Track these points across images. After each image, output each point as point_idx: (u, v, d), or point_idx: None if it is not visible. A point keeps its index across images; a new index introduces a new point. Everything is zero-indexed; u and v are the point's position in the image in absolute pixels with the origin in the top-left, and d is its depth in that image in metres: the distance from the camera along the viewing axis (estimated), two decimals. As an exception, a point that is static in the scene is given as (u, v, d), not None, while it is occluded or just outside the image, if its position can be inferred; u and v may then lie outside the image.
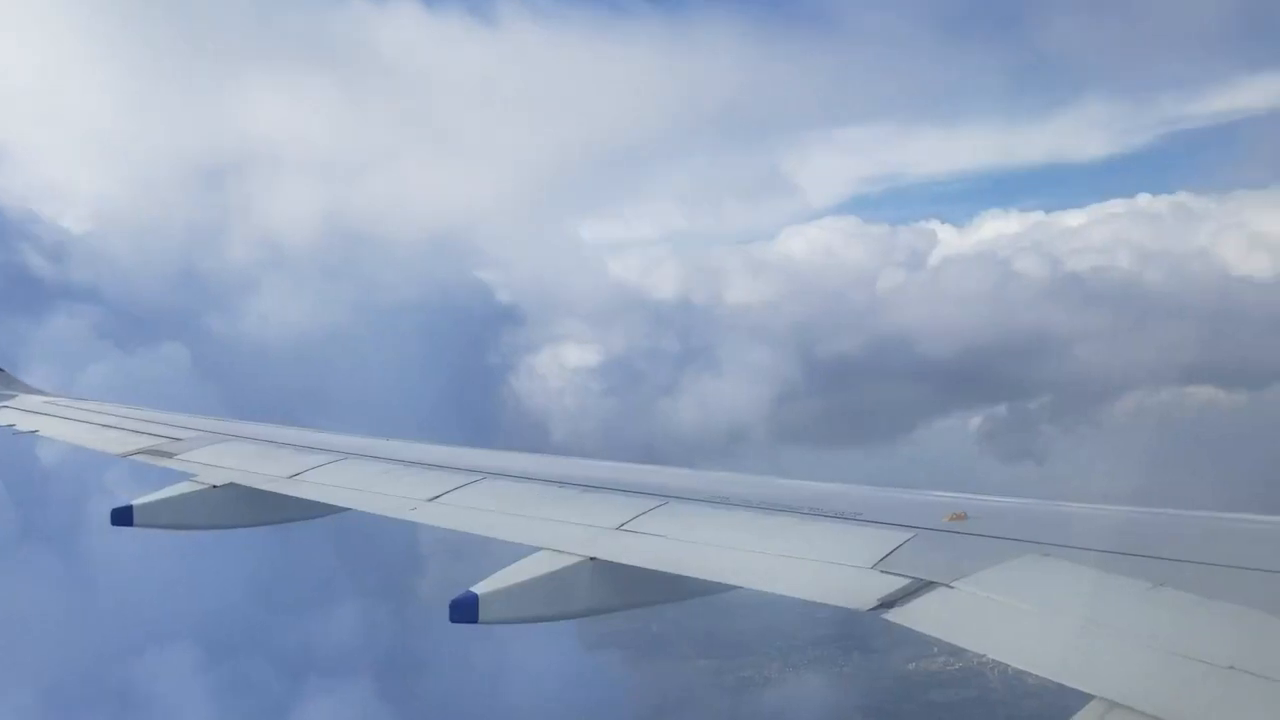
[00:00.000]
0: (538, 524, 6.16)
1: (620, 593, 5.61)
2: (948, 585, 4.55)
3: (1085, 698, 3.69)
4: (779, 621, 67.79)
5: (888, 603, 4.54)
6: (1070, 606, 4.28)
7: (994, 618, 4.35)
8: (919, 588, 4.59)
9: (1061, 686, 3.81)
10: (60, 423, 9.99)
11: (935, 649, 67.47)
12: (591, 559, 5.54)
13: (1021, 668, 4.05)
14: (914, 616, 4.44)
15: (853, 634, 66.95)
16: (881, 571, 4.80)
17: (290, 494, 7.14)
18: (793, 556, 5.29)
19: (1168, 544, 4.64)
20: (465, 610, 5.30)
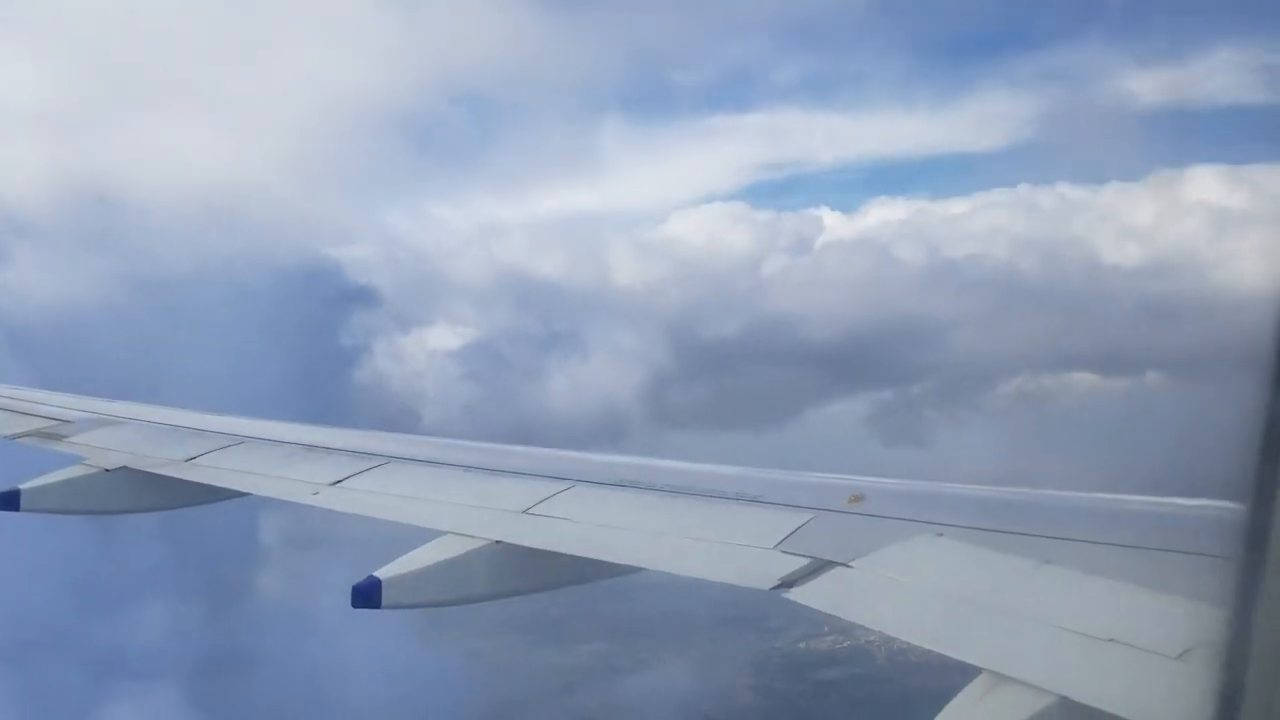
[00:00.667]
0: (443, 508, 6.09)
1: (525, 576, 5.57)
2: (846, 565, 4.62)
3: (972, 672, 3.74)
4: (677, 604, 68.52)
5: (788, 582, 4.61)
6: (961, 584, 4.38)
7: (889, 596, 4.44)
8: (818, 567, 4.65)
9: (948, 662, 3.87)
10: None
11: (826, 628, 68.97)
12: (497, 542, 5.48)
13: (915, 643, 4.18)
14: (813, 595, 4.51)
15: (748, 615, 68.08)
16: (783, 552, 4.85)
17: (186, 478, 6.93)
18: (697, 538, 5.32)
19: (1053, 524, 4.77)
20: (368, 596, 5.20)
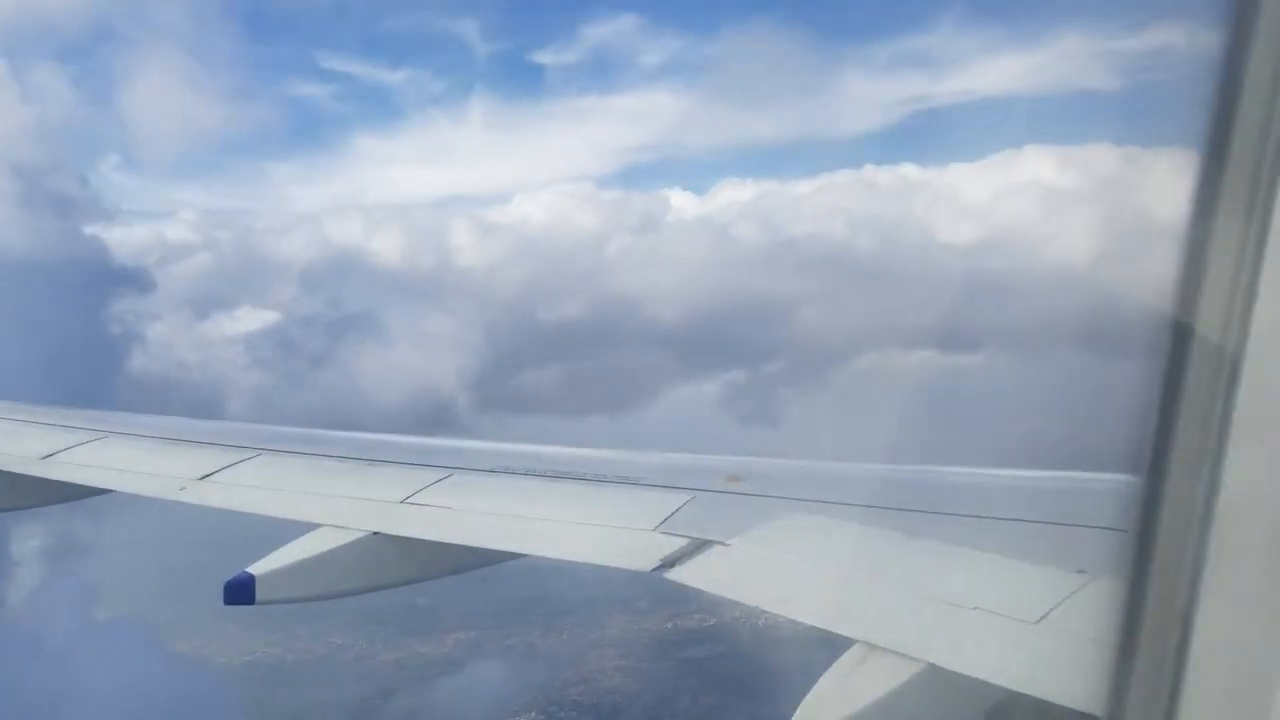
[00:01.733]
0: (317, 500, 5.97)
1: (404, 567, 5.53)
2: (723, 543, 4.74)
3: (842, 645, 3.92)
4: (545, 588, 68.69)
5: (669, 562, 4.69)
6: (835, 559, 4.57)
7: (766, 572, 4.59)
8: (697, 547, 4.75)
9: (815, 637, 4.03)
10: None
11: (693, 606, 70.39)
12: (374, 534, 5.42)
13: (792, 617, 4.29)
14: (693, 575, 4.59)
15: (615, 596, 68.65)
16: (663, 533, 4.94)
17: (45, 476, 6.59)
18: (577, 522, 5.39)
19: (920, 498, 5.02)
20: (240, 591, 5.10)
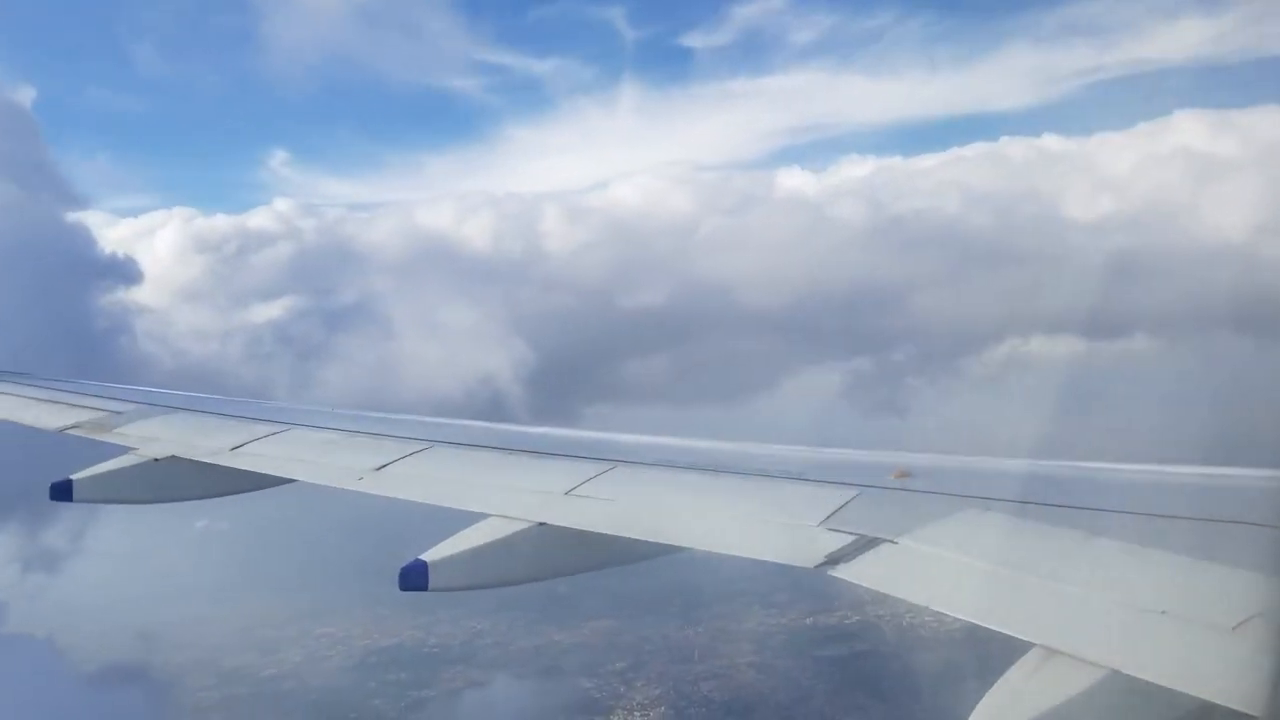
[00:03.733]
0: (486, 491, 6.16)
1: (569, 557, 5.64)
2: (892, 541, 4.67)
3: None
4: (686, 580, 68.76)
5: (834, 559, 4.63)
6: (1011, 558, 4.43)
7: (937, 571, 4.48)
8: (864, 544, 4.70)
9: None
10: None
11: (836, 604, 68.90)
12: (541, 524, 5.56)
13: (964, 618, 4.16)
14: (859, 572, 4.53)
15: (754, 590, 68.09)
16: (828, 529, 4.89)
17: (234, 466, 7.05)
18: (740, 517, 5.39)
19: (1099, 496, 4.84)
20: (415, 578, 5.28)
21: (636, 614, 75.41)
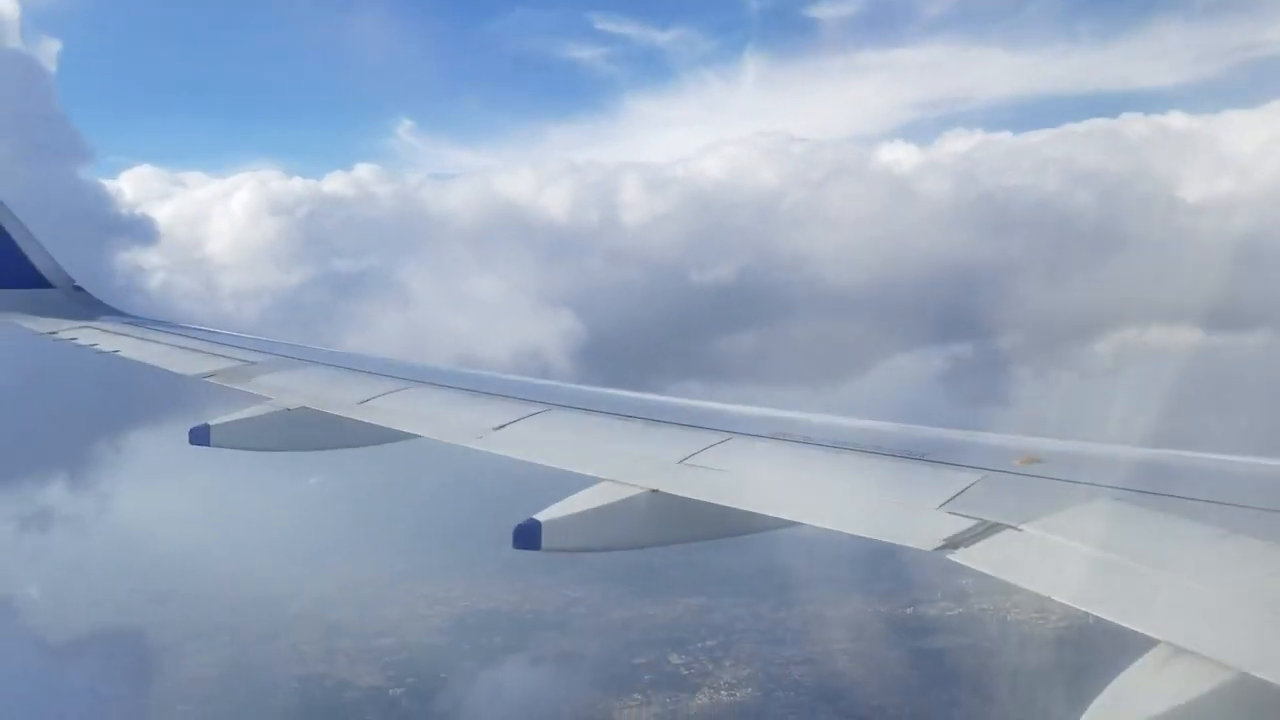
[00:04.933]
0: (600, 456, 6.24)
1: (679, 525, 5.66)
2: (1015, 527, 4.56)
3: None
4: (782, 561, 68.00)
5: (953, 543, 4.55)
6: (1140, 551, 4.29)
7: (1060, 560, 4.36)
8: (986, 529, 4.60)
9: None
10: (139, 343, 10.24)
11: (939, 595, 67.13)
12: (653, 491, 5.59)
13: (1087, 610, 4.05)
14: (978, 557, 4.44)
15: (854, 575, 66.74)
16: (948, 512, 4.81)
17: (361, 419, 7.31)
18: (857, 495, 5.34)
19: (1237, 490, 4.65)
20: (528, 537, 5.38)
21: (730, 593, 75.39)
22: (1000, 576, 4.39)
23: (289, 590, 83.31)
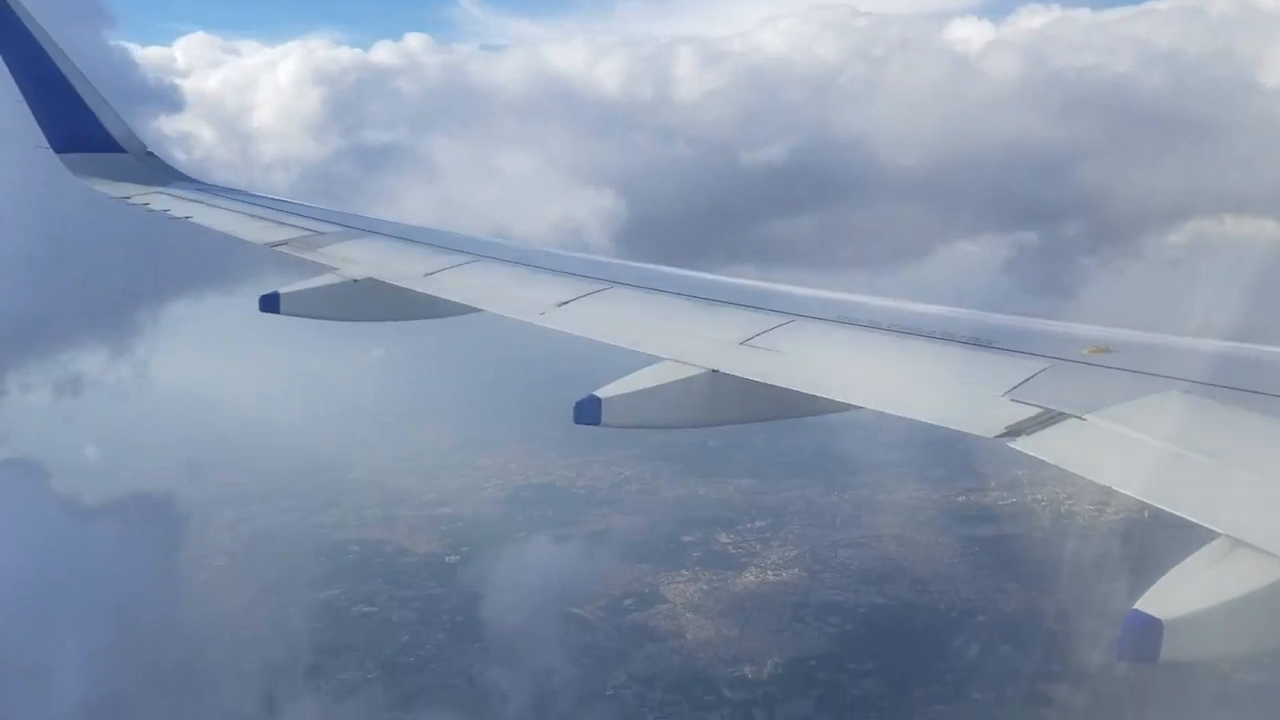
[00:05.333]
0: (662, 334, 6.24)
1: (738, 406, 5.66)
2: (1079, 417, 4.51)
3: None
4: (837, 446, 68.29)
5: (1015, 431, 4.50)
6: (1206, 444, 4.24)
7: (1124, 451, 4.31)
8: (1050, 418, 4.55)
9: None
10: (210, 210, 10.41)
11: (992, 483, 67.04)
12: (714, 371, 5.60)
13: (1147, 502, 3.98)
14: (1040, 446, 4.39)
15: (909, 462, 66.88)
16: (1012, 400, 4.75)
17: (426, 292, 7.39)
18: (920, 380, 5.30)
19: None
20: (588, 412, 5.42)
21: (782, 475, 76.32)
22: (1061, 465, 4.34)
23: (351, 458, 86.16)
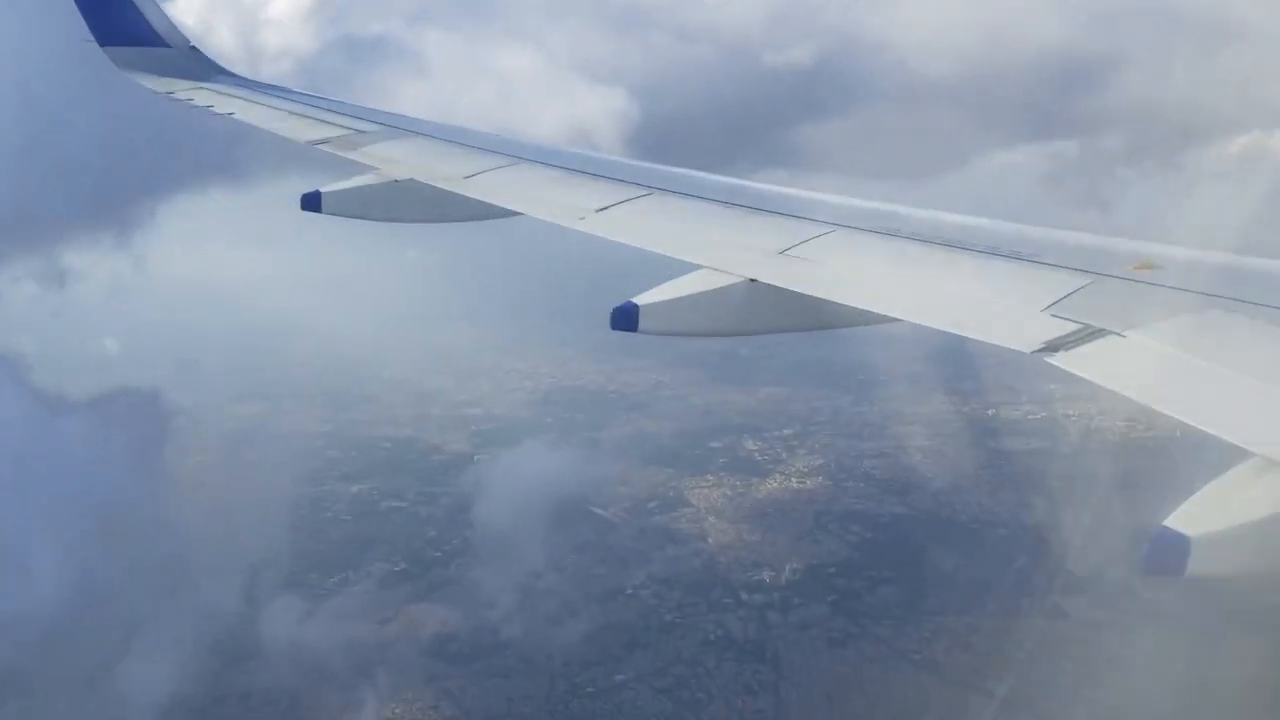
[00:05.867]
0: (701, 242, 6.23)
1: (775, 316, 5.68)
2: (1119, 334, 4.49)
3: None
4: (868, 356, 67.95)
5: (1053, 346, 4.50)
6: (1246, 364, 4.22)
7: (1162, 369, 4.31)
8: (1089, 334, 4.54)
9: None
10: (252, 107, 10.39)
11: (1024, 398, 66.72)
12: (751, 280, 5.59)
13: (1180, 419, 3.99)
14: (1077, 362, 4.40)
15: (940, 374, 66.43)
16: (1053, 315, 4.75)
17: (466, 195, 7.39)
18: (960, 293, 5.29)
19: None
20: (626, 319, 5.43)
21: (812, 384, 76.46)
22: (1097, 381, 4.34)
23: (386, 357, 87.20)
